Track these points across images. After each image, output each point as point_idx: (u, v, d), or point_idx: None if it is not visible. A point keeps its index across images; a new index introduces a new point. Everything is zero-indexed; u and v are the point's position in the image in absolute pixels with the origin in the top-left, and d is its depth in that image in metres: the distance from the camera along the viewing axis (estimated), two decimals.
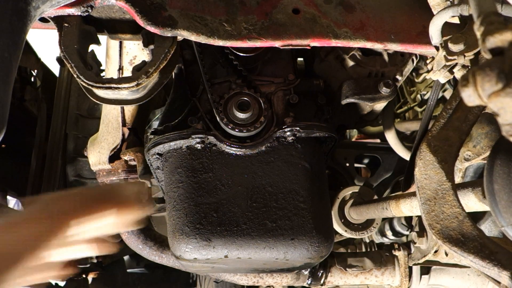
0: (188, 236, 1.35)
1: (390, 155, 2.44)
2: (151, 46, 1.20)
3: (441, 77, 1.13)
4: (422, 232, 1.63)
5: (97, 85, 1.11)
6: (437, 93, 1.47)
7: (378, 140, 3.21)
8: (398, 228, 2.07)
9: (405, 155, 2.12)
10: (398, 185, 2.41)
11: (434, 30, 1.11)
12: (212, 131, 1.42)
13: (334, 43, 1.22)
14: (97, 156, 1.96)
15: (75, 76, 1.12)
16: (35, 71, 2.62)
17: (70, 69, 1.13)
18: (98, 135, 1.98)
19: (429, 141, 0.97)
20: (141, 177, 1.80)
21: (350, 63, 1.55)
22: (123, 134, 1.92)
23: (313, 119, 1.52)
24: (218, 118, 1.42)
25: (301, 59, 1.82)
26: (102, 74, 1.51)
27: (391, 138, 2.11)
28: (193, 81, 1.58)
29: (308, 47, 1.22)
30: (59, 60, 2.66)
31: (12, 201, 3.35)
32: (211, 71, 1.57)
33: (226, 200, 1.38)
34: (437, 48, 1.13)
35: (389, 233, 2.16)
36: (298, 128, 1.43)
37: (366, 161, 2.59)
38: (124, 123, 1.91)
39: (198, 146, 1.42)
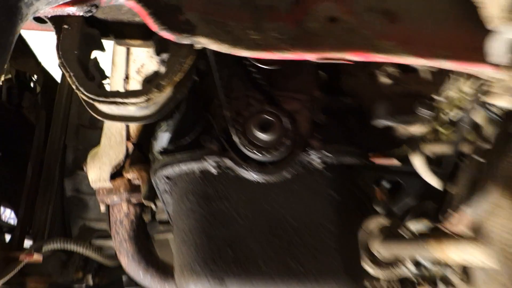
0: (198, 274, 1.17)
1: (413, 179, 2.26)
2: (164, 55, 1.03)
3: (504, 102, 0.96)
4: (467, 277, 1.44)
5: (100, 98, 0.93)
6: (474, 115, 1.30)
7: (395, 160, 3.03)
8: (424, 262, 1.88)
9: (435, 182, 1.94)
10: (423, 213, 2.23)
11: (500, 46, 0.94)
12: (228, 153, 1.25)
13: (375, 57, 1.04)
14: (97, 172, 1.78)
15: (74, 87, 0.95)
16: (35, 76, 2.45)
17: (69, 79, 0.95)
18: (99, 149, 1.81)
19: (508, 182, 0.79)
20: (145, 199, 1.63)
21: (385, 80, 1.38)
22: (127, 150, 1.75)
23: (343, 142, 1.34)
24: (235, 139, 1.24)
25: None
26: (106, 81, 1.34)
27: (418, 162, 1.93)
28: (207, 94, 1.41)
29: (346, 61, 1.05)
30: None
31: (6, 212, 3.18)
32: (227, 84, 1.39)
33: (243, 233, 1.20)
34: (500, 67, 0.96)
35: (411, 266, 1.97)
36: (327, 153, 1.25)
37: (385, 184, 2.41)
38: (128, 137, 1.74)
39: (213, 170, 1.24)
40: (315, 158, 1.25)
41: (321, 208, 1.24)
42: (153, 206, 1.69)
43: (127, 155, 1.73)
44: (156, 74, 1.01)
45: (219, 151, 1.24)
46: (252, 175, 1.24)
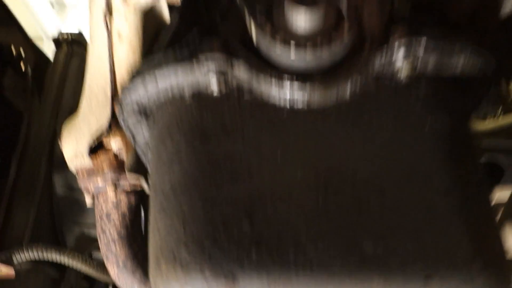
0: (187, 266, 0.60)
1: None
2: None
3: None
4: None
5: None
6: None
7: None
8: None
9: None
10: None
11: None
12: (241, 54, 0.69)
13: None
14: (73, 146, 1.27)
15: None
16: (22, 52, 1.98)
17: None
18: (77, 116, 1.30)
19: None
20: (130, 170, 1.09)
21: None
22: (113, 113, 1.23)
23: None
24: (252, 27, 0.69)
25: None
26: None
27: None
28: None
29: None
30: (56, 41, 2.04)
31: None
32: None
33: (272, 192, 0.64)
34: None
35: None
36: (422, 48, 0.68)
37: None
38: (115, 96, 1.23)
39: (214, 88, 0.69)
40: (399, 62, 0.68)
41: (418, 147, 0.66)
42: (144, 184, 1.15)
43: (112, 120, 1.21)
44: None
45: (225, 52, 0.69)
46: (284, 95, 0.68)
